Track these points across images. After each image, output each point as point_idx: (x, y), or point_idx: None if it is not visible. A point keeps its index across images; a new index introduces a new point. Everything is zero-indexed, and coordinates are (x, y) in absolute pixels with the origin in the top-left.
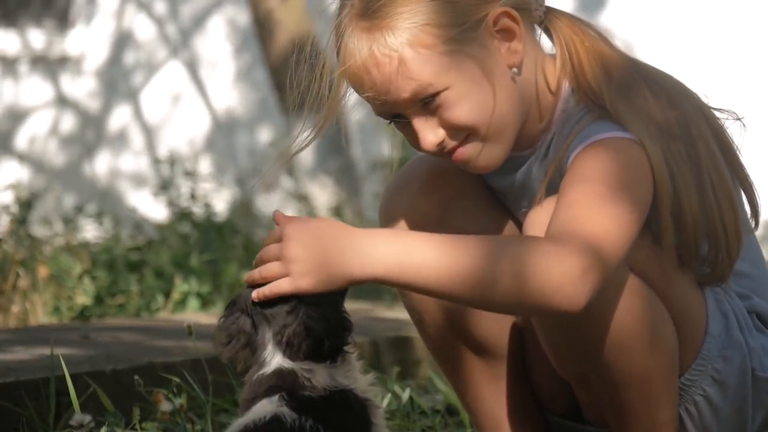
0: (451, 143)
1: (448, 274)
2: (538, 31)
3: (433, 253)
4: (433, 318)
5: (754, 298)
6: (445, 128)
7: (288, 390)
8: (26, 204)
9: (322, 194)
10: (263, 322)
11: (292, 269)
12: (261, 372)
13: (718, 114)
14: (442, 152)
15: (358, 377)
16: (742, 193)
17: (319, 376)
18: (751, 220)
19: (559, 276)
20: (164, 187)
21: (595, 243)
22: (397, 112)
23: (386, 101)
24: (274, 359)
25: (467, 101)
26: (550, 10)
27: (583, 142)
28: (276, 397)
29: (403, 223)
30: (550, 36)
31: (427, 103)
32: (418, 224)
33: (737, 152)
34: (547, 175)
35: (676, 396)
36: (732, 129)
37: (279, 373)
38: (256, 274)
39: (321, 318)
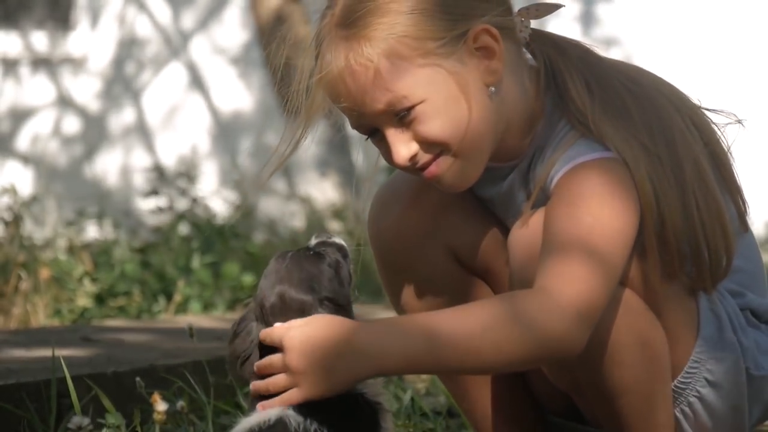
0: (424, 158)
1: (451, 357)
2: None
3: (434, 340)
4: None
5: (748, 294)
6: (419, 142)
7: None
8: (27, 206)
9: (323, 197)
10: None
11: (300, 381)
12: None
13: (714, 117)
14: (414, 167)
15: (369, 380)
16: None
17: None
18: (739, 227)
19: (558, 331)
20: (167, 189)
21: (587, 281)
22: (372, 124)
23: (361, 113)
24: None
25: (442, 116)
26: (535, 32)
27: (567, 165)
28: None
29: (392, 238)
30: (534, 55)
31: (402, 116)
32: (407, 238)
33: (730, 161)
34: (531, 197)
35: (670, 399)
36: (729, 131)
37: None
38: (262, 386)
39: None
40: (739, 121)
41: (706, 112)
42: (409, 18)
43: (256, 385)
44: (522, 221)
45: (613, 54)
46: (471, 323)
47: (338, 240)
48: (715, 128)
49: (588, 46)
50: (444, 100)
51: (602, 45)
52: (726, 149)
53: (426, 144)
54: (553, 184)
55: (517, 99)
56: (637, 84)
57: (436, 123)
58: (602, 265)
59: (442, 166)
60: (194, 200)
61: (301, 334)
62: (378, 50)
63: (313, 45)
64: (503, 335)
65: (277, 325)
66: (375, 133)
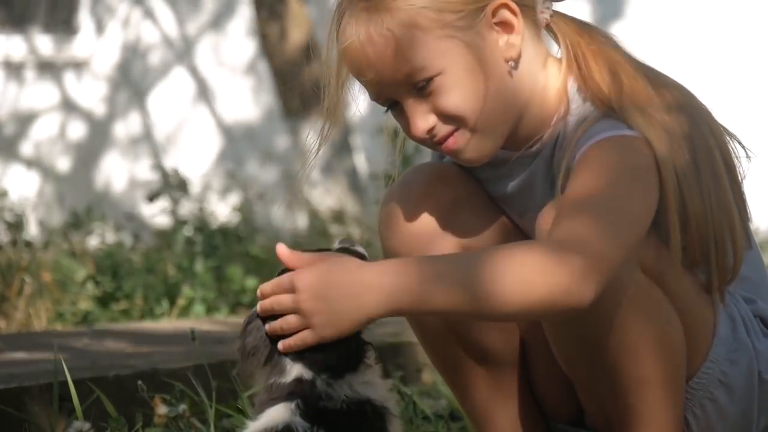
0: (441, 131)
1: (459, 294)
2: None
3: (443, 276)
4: (434, 326)
5: (758, 302)
6: (437, 114)
7: (304, 399)
8: (31, 209)
9: (327, 200)
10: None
11: (313, 322)
12: (280, 379)
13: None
14: (432, 140)
15: (377, 385)
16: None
17: (338, 387)
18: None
19: (565, 277)
20: (170, 193)
21: (598, 241)
22: (392, 96)
23: (381, 84)
24: (295, 368)
25: (460, 88)
26: (556, 14)
27: (589, 141)
28: (291, 405)
29: (404, 236)
30: (555, 39)
31: (421, 88)
32: (418, 235)
33: (738, 173)
34: (559, 179)
35: (683, 398)
36: (738, 148)
37: (298, 382)
38: (277, 327)
39: (339, 347)
40: (748, 156)
41: (723, 127)
42: None
43: (271, 326)
44: (548, 209)
45: None
46: (484, 266)
47: (360, 249)
48: (730, 142)
49: (611, 34)
50: (462, 72)
51: None
52: (735, 161)
53: (444, 116)
54: (575, 162)
55: (537, 76)
56: (658, 78)
57: (454, 95)
58: (616, 224)
59: (459, 141)
60: (198, 204)
61: (311, 276)
62: (397, 21)
63: (335, 18)
64: (514, 282)
65: (283, 247)
66: (394, 105)
